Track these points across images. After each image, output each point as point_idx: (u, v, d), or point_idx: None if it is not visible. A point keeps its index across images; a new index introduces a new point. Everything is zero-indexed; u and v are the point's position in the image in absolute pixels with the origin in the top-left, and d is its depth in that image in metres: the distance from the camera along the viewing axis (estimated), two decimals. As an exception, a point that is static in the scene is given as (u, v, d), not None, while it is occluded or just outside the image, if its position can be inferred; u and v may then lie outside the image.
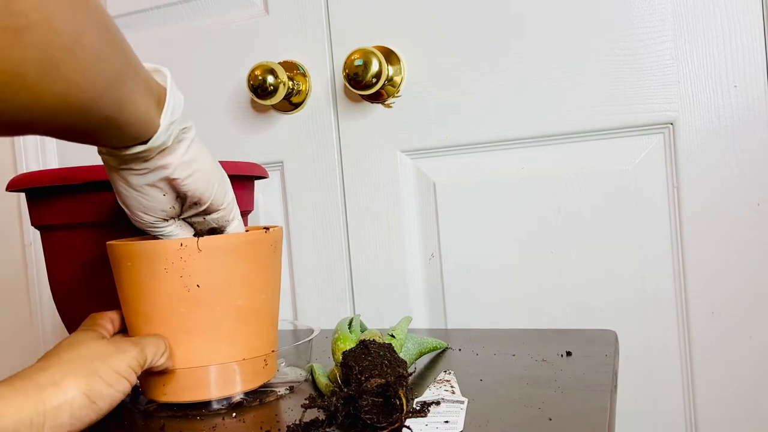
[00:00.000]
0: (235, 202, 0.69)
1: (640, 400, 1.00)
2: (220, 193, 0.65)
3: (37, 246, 1.37)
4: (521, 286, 1.05)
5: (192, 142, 0.62)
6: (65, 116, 0.47)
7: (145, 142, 0.57)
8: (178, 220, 0.67)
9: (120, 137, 0.55)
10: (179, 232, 0.66)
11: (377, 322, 1.10)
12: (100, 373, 0.55)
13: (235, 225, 0.69)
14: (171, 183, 0.61)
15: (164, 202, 0.63)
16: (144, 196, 0.61)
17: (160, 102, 0.57)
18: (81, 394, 0.53)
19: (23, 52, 0.40)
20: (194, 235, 0.67)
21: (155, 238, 0.66)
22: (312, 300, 1.18)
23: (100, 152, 0.60)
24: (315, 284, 1.17)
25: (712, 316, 0.96)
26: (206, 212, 0.66)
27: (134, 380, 0.58)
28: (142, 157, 0.58)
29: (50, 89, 0.43)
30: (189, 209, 0.65)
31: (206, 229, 0.68)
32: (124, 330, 0.68)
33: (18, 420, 0.49)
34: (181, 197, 0.63)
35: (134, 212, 0.63)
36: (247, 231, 0.70)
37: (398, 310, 1.11)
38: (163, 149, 0.59)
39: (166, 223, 0.65)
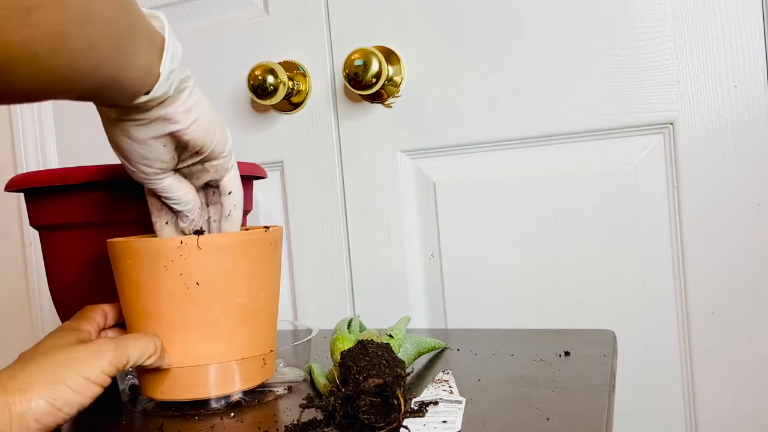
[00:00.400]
0: (234, 155, 0.68)
1: (639, 400, 0.99)
2: (221, 140, 0.64)
3: (37, 246, 1.38)
4: (521, 286, 1.05)
5: (192, 91, 0.60)
6: (69, 83, 0.46)
7: (147, 93, 0.55)
8: (176, 172, 0.65)
9: (123, 95, 0.54)
10: (176, 184, 0.65)
11: (377, 322, 1.10)
12: (67, 381, 0.55)
13: (233, 174, 0.68)
14: (174, 133, 0.60)
15: (164, 152, 0.61)
16: (145, 147, 0.60)
17: (159, 50, 0.56)
18: (45, 403, 0.53)
19: (35, 29, 0.39)
20: (194, 233, 0.67)
21: (163, 203, 0.67)
22: (312, 300, 1.18)
23: (95, 103, 0.58)
24: (315, 284, 1.17)
25: (712, 316, 0.96)
26: (206, 160, 0.65)
27: (107, 383, 0.57)
28: (143, 108, 0.57)
29: (59, 62, 0.43)
30: (189, 158, 0.64)
31: (202, 182, 0.67)
32: (121, 323, 0.69)
33: None
34: (182, 146, 0.62)
35: (134, 164, 0.61)
36: (247, 230, 0.70)
37: (398, 310, 1.11)
38: (164, 99, 0.57)
39: (165, 175, 0.64)
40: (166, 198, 0.66)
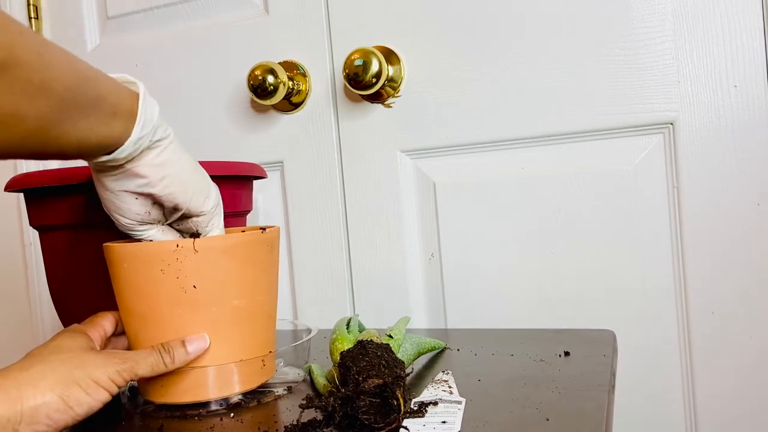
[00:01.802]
0: (220, 210, 0.69)
1: (640, 400, 0.99)
2: (197, 199, 0.66)
3: (37, 246, 1.37)
4: (521, 286, 1.05)
5: (164, 149, 0.62)
6: (34, 145, 0.50)
7: (110, 153, 0.58)
8: (164, 225, 0.67)
9: (80, 154, 0.57)
10: (160, 236, 0.67)
11: (377, 322, 1.10)
12: (78, 381, 0.56)
13: (216, 234, 0.69)
14: (144, 188, 0.62)
15: (137, 205, 0.63)
16: (118, 199, 0.62)
17: (132, 114, 0.58)
18: (57, 398, 0.54)
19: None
20: (191, 236, 0.67)
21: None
22: (312, 300, 1.18)
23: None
24: (315, 284, 1.17)
25: (712, 316, 0.96)
26: (185, 217, 0.66)
27: (115, 391, 0.58)
28: (110, 165, 0.59)
29: (25, 126, 0.46)
30: (170, 215, 0.66)
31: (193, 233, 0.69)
32: None
33: None
34: (157, 202, 0.64)
35: (111, 214, 0.64)
36: (243, 231, 0.70)
37: (398, 310, 1.11)
38: (134, 157, 0.60)
39: (144, 227, 0.65)
40: None
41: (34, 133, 0.49)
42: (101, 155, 0.58)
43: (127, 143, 0.57)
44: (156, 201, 0.63)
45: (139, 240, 0.66)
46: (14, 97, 0.46)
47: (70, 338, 0.61)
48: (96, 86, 0.55)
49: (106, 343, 0.68)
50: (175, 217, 0.66)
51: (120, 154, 0.58)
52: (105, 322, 0.67)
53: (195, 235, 0.67)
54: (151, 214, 0.65)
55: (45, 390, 0.53)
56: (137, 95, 0.59)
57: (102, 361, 0.58)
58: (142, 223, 0.65)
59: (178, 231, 0.68)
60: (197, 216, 0.67)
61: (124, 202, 0.62)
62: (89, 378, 0.56)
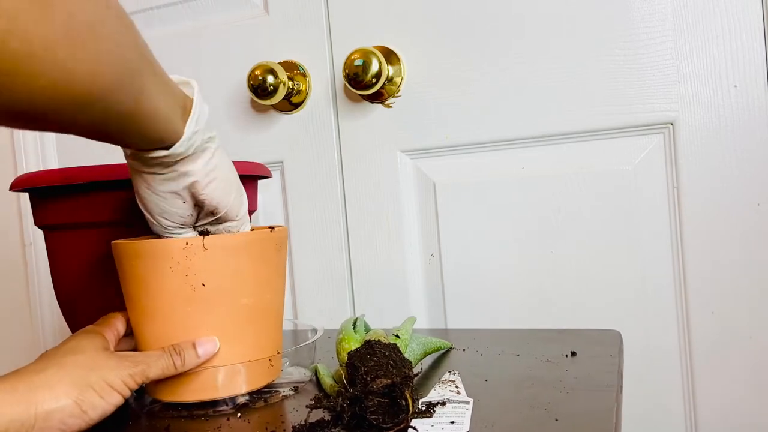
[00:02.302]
0: (248, 217, 0.70)
1: (640, 400, 1.00)
2: (236, 204, 0.67)
3: (37, 246, 1.37)
4: (521, 286, 1.05)
5: (215, 152, 0.63)
6: (90, 102, 0.47)
7: (168, 148, 0.58)
8: (193, 229, 0.67)
9: (141, 136, 0.56)
10: None
11: (377, 322, 1.10)
12: (93, 384, 0.56)
13: None
14: (191, 190, 0.62)
15: (184, 208, 0.63)
16: (165, 201, 0.62)
17: (185, 111, 0.59)
18: (72, 403, 0.54)
19: (50, 26, 0.40)
20: (199, 234, 0.67)
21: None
22: (312, 300, 1.18)
23: (125, 154, 0.61)
24: (315, 284, 1.17)
25: (712, 316, 0.96)
26: (220, 221, 0.67)
27: (128, 394, 0.59)
28: (165, 163, 0.59)
29: (77, 68, 0.43)
30: (205, 217, 0.66)
31: None
32: None
33: (9, 420, 0.50)
34: (199, 205, 0.64)
35: (154, 216, 0.64)
36: (252, 230, 0.70)
37: (398, 310, 1.11)
38: (186, 156, 0.60)
39: (182, 230, 0.66)
40: None
41: (115, 87, 0.48)
42: (158, 147, 0.58)
43: (183, 138, 0.58)
44: (198, 203, 0.64)
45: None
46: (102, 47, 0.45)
47: (85, 339, 0.61)
48: (162, 70, 0.56)
49: (122, 342, 0.68)
50: (209, 221, 0.66)
51: (177, 149, 0.58)
52: (118, 323, 0.67)
53: (204, 233, 0.68)
54: (192, 217, 0.65)
55: (60, 394, 0.53)
56: (190, 98, 0.60)
57: (115, 363, 0.58)
58: (182, 226, 0.65)
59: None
60: (231, 221, 0.67)
61: (170, 204, 0.63)
62: (104, 381, 0.56)
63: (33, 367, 0.55)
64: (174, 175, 0.60)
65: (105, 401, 0.56)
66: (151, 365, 0.61)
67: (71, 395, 0.54)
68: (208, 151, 0.62)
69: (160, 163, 0.59)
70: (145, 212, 0.64)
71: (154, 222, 0.65)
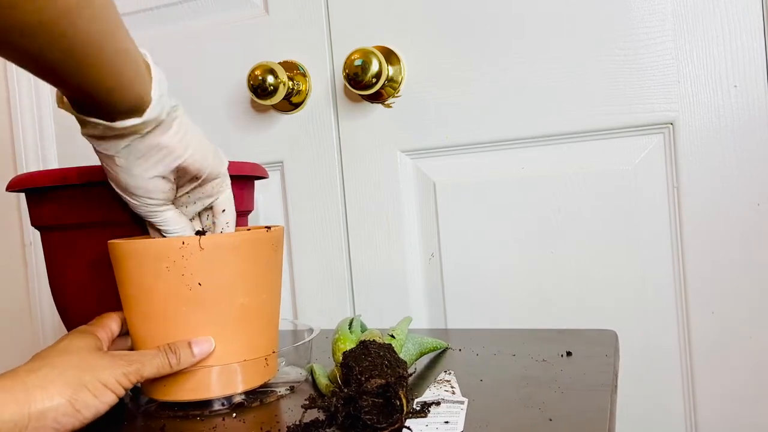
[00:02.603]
0: (228, 175, 0.71)
1: (640, 400, 1.00)
2: (216, 162, 0.67)
3: (37, 246, 1.37)
4: (521, 286, 1.05)
5: (181, 120, 0.63)
6: (79, 45, 0.48)
7: (140, 116, 0.57)
8: (175, 205, 0.68)
9: (118, 98, 0.56)
10: (176, 218, 0.67)
11: (377, 322, 1.10)
12: (87, 384, 0.56)
13: (227, 194, 0.71)
14: (170, 163, 0.62)
15: (164, 183, 0.64)
16: (147, 182, 0.62)
17: (148, 74, 0.59)
18: (66, 402, 0.54)
19: None
20: (195, 234, 0.67)
21: (161, 235, 0.67)
22: (312, 300, 1.18)
23: (94, 147, 0.61)
24: (315, 284, 1.17)
25: (712, 316, 0.96)
26: (206, 181, 0.67)
27: (122, 393, 0.59)
28: (138, 132, 0.59)
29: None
30: (188, 183, 0.66)
31: (199, 209, 0.70)
32: None
33: (1, 420, 0.50)
34: (180, 174, 0.64)
35: (137, 198, 0.64)
36: (248, 230, 0.70)
37: (398, 310, 1.11)
38: (158, 125, 0.59)
39: (166, 207, 0.66)
40: (164, 231, 0.68)
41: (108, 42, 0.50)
42: (134, 117, 0.57)
43: (153, 102, 0.58)
44: (180, 172, 0.64)
45: (156, 227, 0.67)
46: None
47: (78, 339, 0.61)
48: (131, 41, 0.56)
49: (116, 342, 0.68)
50: (193, 185, 0.67)
51: (150, 114, 0.57)
52: (112, 323, 0.67)
53: (200, 232, 0.68)
54: (173, 189, 0.65)
55: (54, 393, 0.53)
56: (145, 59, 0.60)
57: (109, 362, 0.58)
58: (165, 202, 0.66)
59: (185, 204, 0.69)
60: (216, 178, 0.68)
61: (151, 182, 0.62)
62: (97, 380, 0.56)
63: (26, 367, 0.55)
64: (151, 150, 0.60)
65: (99, 400, 0.56)
66: (145, 364, 0.61)
67: (65, 394, 0.54)
68: (177, 119, 0.62)
69: (134, 132, 0.58)
70: (126, 196, 0.64)
71: (138, 203, 0.64)
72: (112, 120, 0.57)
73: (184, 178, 0.65)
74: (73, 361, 0.57)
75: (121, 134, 0.58)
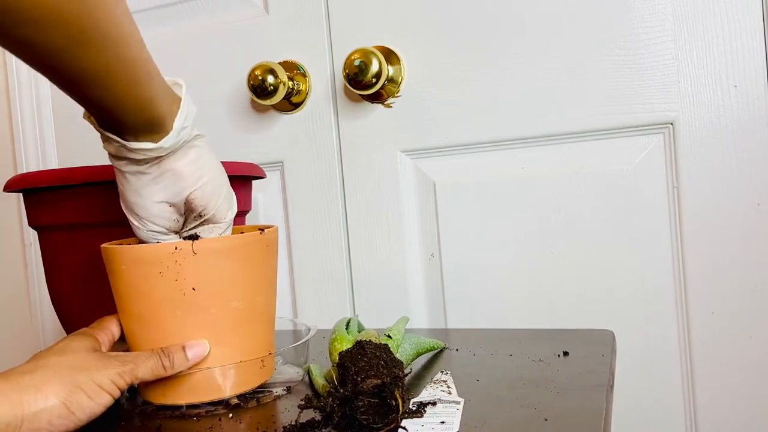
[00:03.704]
0: (231, 223, 0.70)
1: (639, 400, 0.99)
2: (224, 206, 0.66)
3: (37, 246, 1.38)
4: (521, 286, 1.05)
5: (203, 151, 0.63)
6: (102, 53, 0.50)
7: (157, 142, 0.58)
8: (179, 236, 0.67)
9: (135, 117, 0.56)
10: None
11: (377, 322, 1.10)
12: (81, 385, 0.55)
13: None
14: (180, 191, 0.62)
15: (170, 212, 0.64)
16: (153, 205, 0.62)
17: (174, 108, 0.59)
18: (60, 404, 0.53)
19: None
20: (189, 238, 0.67)
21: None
22: (312, 300, 1.18)
23: (110, 154, 0.61)
24: (315, 284, 1.17)
25: (712, 316, 0.95)
26: (207, 222, 0.67)
27: (117, 394, 0.59)
28: (152, 158, 0.59)
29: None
30: (192, 221, 0.66)
31: None
32: None
33: None
34: (187, 207, 0.64)
35: (141, 221, 0.64)
36: (241, 232, 0.70)
37: (398, 310, 1.11)
38: (174, 152, 0.60)
39: (168, 236, 0.66)
40: None
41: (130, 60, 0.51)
42: (148, 141, 0.58)
43: (171, 133, 0.58)
44: (187, 204, 0.64)
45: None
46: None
47: (75, 340, 0.61)
48: (154, 66, 0.57)
49: (116, 345, 0.68)
50: (195, 224, 0.66)
51: (165, 143, 0.58)
52: (112, 326, 0.67)
53: (193, 237, 0.67)
54: (178, 222, 0.65)
55: (48, 394, 0.53)
56: (179, 96, 0.60)
57: (103, 363, 0.58)
58: (168, 231, 0.65)
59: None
60: (218, 223, 0.67)
61: (158, 209, 0.63)
62: (92, 381, 0.56)
63: (22, 368, 0.55)
64: (162, 176, 0.60)
65: (94, 402, 0.56)
66: (139, 364, 0.61)
67: (59, 396, 0.54)
68: (196, 149, 0.62)
69: (147, 159, 0.59)
70: (131, 217, 0.64)
71: (140, 227, 0.64)
72: (127, 139, 0.58)
73: (191, 213, 0.65)
74: (69, 362, 0.57)
75: (135, 159, 0.59)
